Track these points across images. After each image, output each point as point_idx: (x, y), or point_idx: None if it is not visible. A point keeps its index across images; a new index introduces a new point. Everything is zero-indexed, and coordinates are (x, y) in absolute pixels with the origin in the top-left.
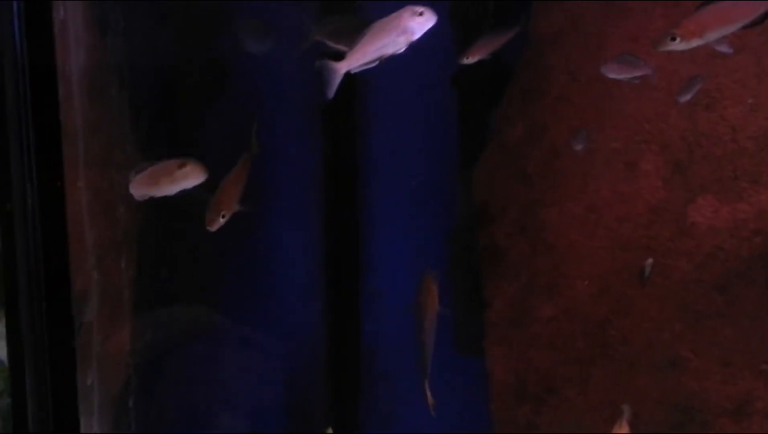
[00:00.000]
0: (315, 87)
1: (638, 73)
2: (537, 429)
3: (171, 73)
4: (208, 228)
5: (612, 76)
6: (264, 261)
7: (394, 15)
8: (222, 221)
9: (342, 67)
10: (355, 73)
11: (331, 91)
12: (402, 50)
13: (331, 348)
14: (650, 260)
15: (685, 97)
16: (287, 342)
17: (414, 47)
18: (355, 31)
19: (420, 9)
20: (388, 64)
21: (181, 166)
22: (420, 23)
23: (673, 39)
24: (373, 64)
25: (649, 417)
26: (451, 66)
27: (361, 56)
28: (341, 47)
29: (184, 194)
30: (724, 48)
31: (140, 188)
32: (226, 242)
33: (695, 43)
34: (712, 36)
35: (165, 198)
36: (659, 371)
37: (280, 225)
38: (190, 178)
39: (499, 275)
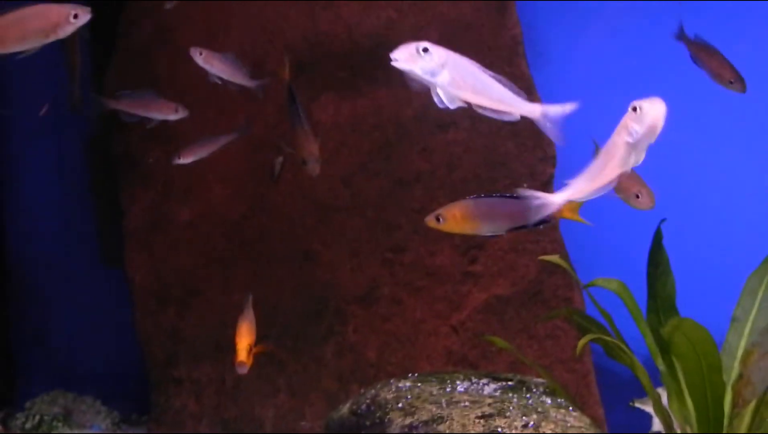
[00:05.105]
0: None
1: None
2: (182, 333)
3: None
4: None
5: None
6: None
7: None
8: None
9: None
10: None
11: None
12: None
13: None
14: (280, 158)
15: None
16: None
17: None
18: None
19: None
20: None
21: None
22: None
23: None
24: None
25: (289, 308)
26: None
27: None
28: None
29: None
30: None
31: None
32: None
33: None
34: None
35: None
36: (294, 264)
37: None
38: None
39: (135, 182)
